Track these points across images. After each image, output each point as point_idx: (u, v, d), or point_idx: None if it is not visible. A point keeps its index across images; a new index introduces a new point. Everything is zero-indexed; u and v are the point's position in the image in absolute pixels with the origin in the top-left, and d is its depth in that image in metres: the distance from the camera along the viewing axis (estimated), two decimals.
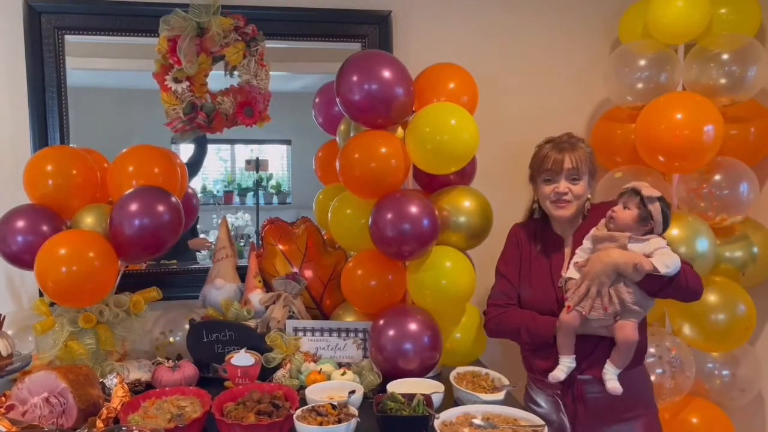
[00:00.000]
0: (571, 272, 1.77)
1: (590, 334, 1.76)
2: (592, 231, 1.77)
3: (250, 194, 2.67)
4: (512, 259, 1.93)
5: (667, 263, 1.62)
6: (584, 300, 1.70)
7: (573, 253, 1.82)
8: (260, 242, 2.26)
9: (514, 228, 2.00)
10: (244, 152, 2.59)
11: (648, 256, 1.65)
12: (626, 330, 1.70)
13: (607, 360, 1.75)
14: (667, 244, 1.68)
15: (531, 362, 1.92)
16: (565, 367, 1.76)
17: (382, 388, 1.77)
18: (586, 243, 1.77)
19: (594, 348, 1.78)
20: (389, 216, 1.86)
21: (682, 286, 1.68)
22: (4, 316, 1.82)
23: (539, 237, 1.92)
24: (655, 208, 1.66)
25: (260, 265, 2.21)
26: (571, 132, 1.88)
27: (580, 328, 1.74)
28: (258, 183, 2.64)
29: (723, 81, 2.15)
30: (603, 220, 1.76)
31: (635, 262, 1.64)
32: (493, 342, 2.13)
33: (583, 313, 1.69)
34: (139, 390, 1.78)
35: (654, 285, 1.67)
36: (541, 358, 1.85)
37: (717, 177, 2.19)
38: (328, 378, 1.81)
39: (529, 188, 2.53)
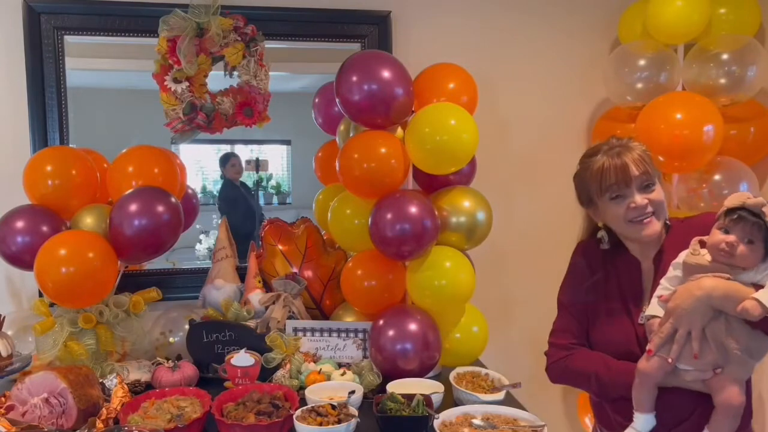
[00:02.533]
0: (653, 308, 1.40)
1: (684, 389, 1.38)
2: (683, 256, 1.38)
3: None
4: (578, 288, 1.59)
5: None
6: (669, 344, 1.33)
7: (655, 282, 1.46)
8: (260, 242, 2.26)
9: (579, 247, 1.65)
10: (244, 152, 2.59)
11: (759, 286, 1.26)
12: (728, 390, 1.30)
13: (705, 427, 1.35)
14: None
15: (601, 410, 1.58)
16: (640, 427, 1.39)
17: (381, 389, 1.77)
18: (674, 271, 1.39)
19: (692, 411, 1.39)
20: (389, 216, 1.86)
21: None
22: (4, 317, 1.82)
23: (610, 261, 1.56)
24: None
25: (260, 265, 2.21)
26: (614, 134, 1.58)
27: (665, 379, 1.36)
28: (258, 183, 2.64)
29: (722, 81, 2.14)
30: (695, 243, 1.38)
31: (737, 299, 1.25)
32: (493, 342, 2.13)
33: (669, 360, 1.32)
34: (139, 390, 1.78)
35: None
36: (615, 411, 1.51)
37: (717, 177, 2.19)
38: (328, 378, 1.81)
39: (532, 189, 2.57)
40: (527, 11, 2.51)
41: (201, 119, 2.12)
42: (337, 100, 1.94)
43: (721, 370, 1.31)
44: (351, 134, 2.07)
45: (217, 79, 2.16)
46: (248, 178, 2.62)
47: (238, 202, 2.62)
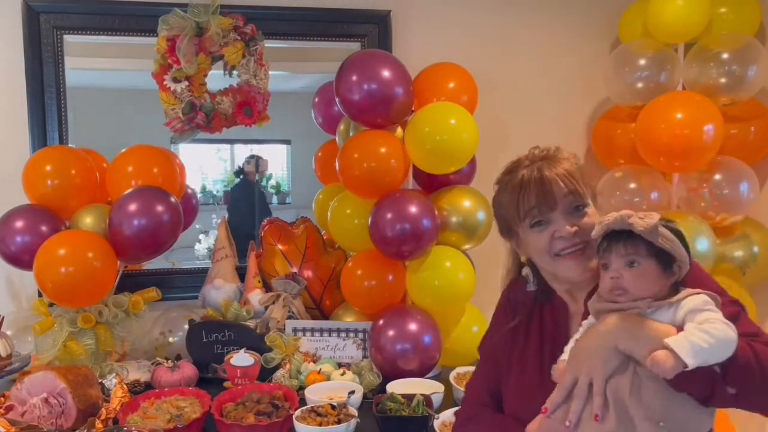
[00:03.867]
0: (564, 354, 1.11)
1: None
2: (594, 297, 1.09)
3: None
4: (495, 334, 1.31)
5: (701, 344, 0.90)
6: (567, 402, 1.01)
7: None
8: (260, 242, 2.26)
9: (506, 292, 1.35)
10: (244, 152, 2.59)
11: (679, 328, 0.96)
12: None
13: None
14: (713, 302, 0.98)
15: None
16: None
17: (381, 389, 1.77)
18: (590, 318, 1.10)
19: None
20: (389, 216, 1.86)
21: (755, 385, 0.96)
22: (3, 317, 1.82)
23: (538, 303, 1.26)
24: (669, 239, 0.99)
25: (260, 265, 2.20)
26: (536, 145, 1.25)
27: None
28: (257, 183, 2.64)
29: (723, 80, 2.14)
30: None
31: (651, 343, 0.94)
32: None
33: (566, 425, 0.99)
34: (139, 390, 1.77)
35: (696, 384, 0.94)
36: None
37: (717, 176, 2.19)
38: (328, 378, 1.81)
39: None
40: (527, 11, 2.50)
41: (200, 119, 2.11)
42: (336, 99, 1.93)
43: None
44: (351, 134, 2.07)
45: (216, 79, 2.16)
46: None
47: (253, 201, 2.63)
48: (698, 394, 0.95)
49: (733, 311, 1.01)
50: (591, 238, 1.08)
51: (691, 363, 0.89)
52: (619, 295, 1.01)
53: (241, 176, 2.57)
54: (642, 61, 2.24)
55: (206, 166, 2.58)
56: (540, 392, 1.10)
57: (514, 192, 1.16)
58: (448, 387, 1.76)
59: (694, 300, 0.97)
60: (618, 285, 1.01)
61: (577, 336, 1.08)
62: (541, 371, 1.16)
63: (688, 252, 1.03)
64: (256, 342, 1.92)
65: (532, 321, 1.24)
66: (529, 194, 1.13)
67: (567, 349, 1.09)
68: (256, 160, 2.55)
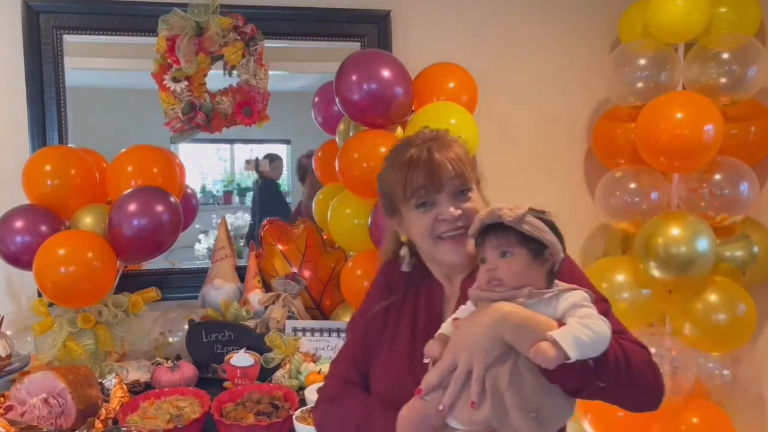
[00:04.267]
0: (444, 330, 1.09)
1: None
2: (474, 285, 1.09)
3: (249, 194, 2.66)
4: (366, 308, 1.28)
5: (583, 338, 0.93)
6: (443, 385, 1.00)
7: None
8: (259, 242, 2.26)
9: (383, 265, 1.31)
10: (244, 152, 2.58)
11: (560, 322, 0.99)
12: None
13: None
14: (590, 298, 1.02)
15: None
16: None
17: None
18: (470, 302, 1.09)
19: None
20: None
21: (633, 386, 1.03)
22: (3, 317, 1.82)
23: (413, 284, 1.24)
24: (537, 227, 1.05)
25: (259, 265, 2.20)
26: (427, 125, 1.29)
27: None
28: (257, 183, 2.64)
29: (723, 80, 2.14)
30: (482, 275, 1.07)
31: (535, 335, 0.95)
32: None
33: (440, 408, 0.99)
34: (138, 390, 1.77)
35: (571, 377, 0.97)
36: None
37: (717, 176, 2.19)
38: None
39: (532, 188, 2.56)
40: (527, 11, 2.50)
41: (200, 119, 2.11)
42: (336, 99, 1.93)
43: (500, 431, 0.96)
44: (351, 134, 2.06)
45: (216, 79, 2.15)
46: (248, 177, 2.62)
47: (279, 201, 2.66)
48: (571, 386, 0.99)
49: (604, 308, 1.06)
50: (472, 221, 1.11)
51: (573, 356, 0.92)
52: (496, 285, 1.03)
53: (262, 176, 2.57)
54: (642, 61, 2.24)
55: (206, 166, 2.58)
56: (409, 374, 1.12)
57: (402, 170, 1.15)
58: None
59: (574, 295, 1.01)
60: (494, 276, 1.03)
61: (456, 316, 1.09)
62: (412, 352, 1.15)
63: (562, 241, 1.08)
64: (256, 342, 1.92)
65: (406, 301, 1.23)
66: (417, 174, 1.13)
67: (444, 326, 1.09)
68: (277, 160, 2.56)
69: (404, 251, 1.25)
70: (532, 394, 0.97)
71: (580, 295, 1.01)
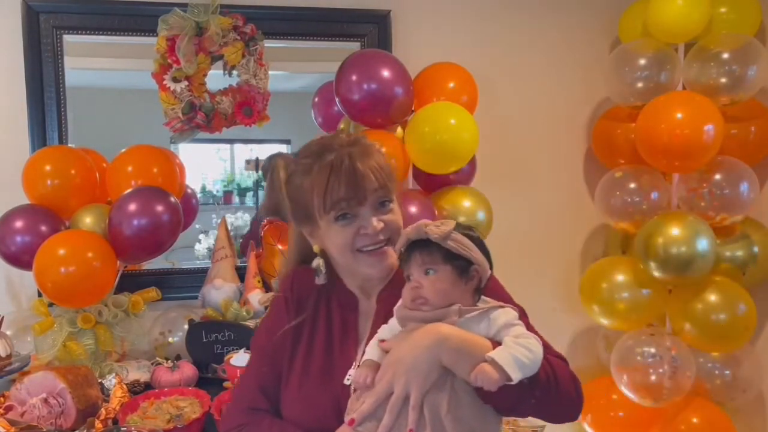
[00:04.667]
0: (368, 356, 1.03)
1: None
2: (399, 303, 1.05)
3: (249, 194, 2.66)
4: (272, 326, 1.18)
5: (522, 358, 0.93)
6: (377, 413, 0.96)
7: (376, 328, 1.09)
8: (260, 242, 2.26)
9: (288, 277, 1.22)
10: (244, 152, 2.58)
11: (493, 341, 0.97)
12: None
13: None
14: (518, 315, 1.03)
15: None
16: None
17: None
18: (393, 320, 1.06)
19: None
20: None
21: (559, 401, 1.01)
22: (3, 317, 1.82)
23: (325, 297, 1.17)
24: (463, 244, 1.01)
25: (259, 265, 2.20)
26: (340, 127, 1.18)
27: None
28: (258, 183, 2.64)
29: (723, 80, 2.14)
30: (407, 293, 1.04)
31: (474, 357, 0.94)
32: None
33: None
34: (138, 390, 1.77)
35: (508, 396, 0.95)
36: None
37: (717, 176, 2.19)
38: None
39: (532, 188, 2.56)
40: (527, 10, 2.50)
41: (200, 119, 2.11)
42: (336, 99, 1.93)
43: None
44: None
45: (216, 79, 2.15)
46: (248, 177, 2.62)
47: None
48: (506, 405, 0.97)
49: (525, 323, 1.05)
50: (394, 235, 1.09)
51: (516, 377, 0.91)
52: (421, 304, 1.00)
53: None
54: (642, 61, 2.24)
55: (206, 166, 2.58)
56: (324, 394, 1.07)
57: (322, 179, 1.06)
58: None
59: (504, 314, 1.00)
60: (418, 294, 1.00)
61: (381, 337, 1.04)
62: (329, 371, 1.10)
63: (489, 258, 1.06)
64: None
65: (317, 317, 1.16)
66: (339, 185, 1.05)
67: (370, 350, 1.04)
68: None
69: (318, 262, 1.17)
70: (471, 418, 0.95)
71: (510, 313, 1.01)
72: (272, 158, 2.56)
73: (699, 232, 2.10)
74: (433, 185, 2.08)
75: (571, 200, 2.58)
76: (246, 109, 2.15)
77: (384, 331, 1.05)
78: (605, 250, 2.60)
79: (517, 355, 0.93)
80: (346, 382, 1.05)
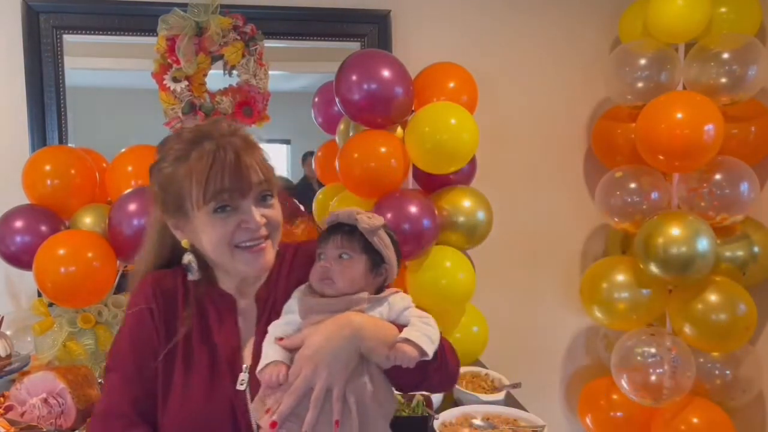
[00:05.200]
0: (270, 356, 0.98)
1: None
2: (299, 291, 1.06)
3: None
4: (139, 345, 1.05)
5: (430, 335, 0.99)
6: (296, 411, 0.94)
7: (261, 328, 1.06)
8: None
9: (147, 280, 1.10)
10: None
11: (395, 325, 1.02)
12: None
13: None
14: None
15: None
16: None
17: None
18: (290, 314, 1.04)
19: None
20: (389, 216, 1.86)
21: (448, 371, 1.06)
22: (3, 317, 1.82)
23: (195, 298, 1.08)
24: (385, 242, 1.04)
25: None
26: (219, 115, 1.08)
27: None
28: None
29: (723, 80, 2.14)
30: (313, 280, 1.04)
31: (387, 339, 0.97)
32: (494, 342, 2.13)
33: None
34: None
35: (414, 374, 0.99)
36: None
37: (717, 176, 2.19)
38: None
39: (532, 188, 2.56)
40: (527, 10, 2.50)
41: (200, 119, 2.11)
42: (336, 99, 1.93)
43: None
44: (351, 134, 2.06)
45: (216, 79, 2.16)
46: None
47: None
48: (414, 381, 1.03)
49: None
50: (273, 231, 1.05)
51: (431, 352, 0.97)
52: (327, 285, 1.02)
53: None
54: (642, 61, 2.23)
55: None
56: (215, 407, 1.00)
57: (202, 167, 0.98)
58: None
59: (403, 298, 1.06)
60: (327, 274, 1.01)
61: (277, 335, 1.00)
62: (214, 382, 1.02)
63: (399, 262, 1.09)
64: None
65: (191, 325, 1.05)
66: (222, 175, 0.98)
67: (269, 351, 0.99)
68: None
69: (189, 258, 1.08)
70: (386, 399, 1.00)
71: (406, 297, 1.06)
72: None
73: (699, 232, 2.10)
74: (433, 185, 2.08)
75: (571, 200, 2.58)
76: (246, 109, 2.15)
77: (278, 328, 1.02)
78: (605, 250, 2.60)
79: (427, 333, 0.99)
80: (240, 387, 1.01)
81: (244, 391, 1.01)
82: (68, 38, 2.17)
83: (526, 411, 1.58)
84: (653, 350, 2.18)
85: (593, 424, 2.42)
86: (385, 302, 1.03)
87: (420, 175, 2.06)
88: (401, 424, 1.50)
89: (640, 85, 2.24)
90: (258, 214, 1.01)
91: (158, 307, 1.06)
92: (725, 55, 2.14)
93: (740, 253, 2.27)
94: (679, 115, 2.08)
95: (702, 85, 2.17)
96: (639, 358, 2.19)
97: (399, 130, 2.03)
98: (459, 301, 1.99)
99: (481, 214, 2.01)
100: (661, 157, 2.15)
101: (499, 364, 2.05)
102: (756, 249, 2.27)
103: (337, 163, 1.96)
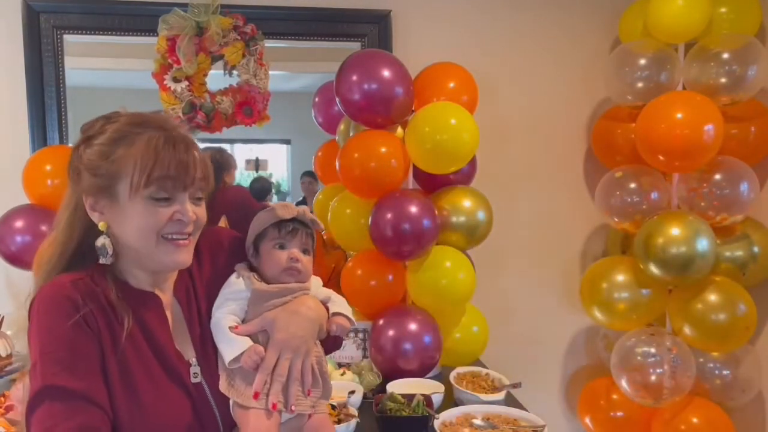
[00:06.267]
0: (235, 348, 1.03)
1: None
2: (237, 283, 1.10)
3: None
4: (81, 355, 0.94)
5: (346, 305, 1.19)
6: (278, 385, 1.03)
7: (192, 321, 1.08)
8: None
9: (65, 291, 0.97)
10: (244, 152, 2.58)
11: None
12: (329, 427, 1.14)
13: None
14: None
15: None
16: None
17: (381, 389, 1.77)
18: (233, 303, 1.08)
19: None
20: (389, 216, 1.86)
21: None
22: (3, 317, 1.82)
23: (118, 302, 1.00)
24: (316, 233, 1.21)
25: None
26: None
27: None
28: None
29: (723, 80, 2.14)
30: (245, 266, 1.13)
31: (325, 317, 1.13)
32: (494, 342, 2.13)
33: (292, 407, 1.03)
34: None
35: (334, 344, 1.22)
36: None
37: (717, 176, 2.19)
38: None
39: (532, 188, 2.56)
40: (528, 10, 2.50)
41: (200, 118, 2.11)
42: (337, 99, 1.93)
43: (317, 406, 1.09)
44: (351, 134, 2.07)
45: (216, 79, 2.16)
46: (248, 177, 2.62)
47: None
48: (334, 348, 1.22)
49: None
50: (197, 231, 1.04)
51: (355, 322, 1.23)
52: (291, 275, 1.12)
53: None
54: (642, 61, 2.23)
55: None
56: (170, 404, 0.99)
57: (149, 151, 0.96)
58: (448, 387, 1.76)
59: (317, 281, 1.19)
60: (296, 268, 1.12)
61: (230, 324, 1.05)
62: (168, 378, 1.01)
63: None
64: None
65: (124, 324, 0.99)
66: (170, 162, 0.97)
67: (230, 341, 1.03)
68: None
69: (104, 241, 1.01)
70: (325, 365, 1.14)
71: (318, 280, 1.19)
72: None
73: (699, 232, 2.10)
74: (433, 185, 2.08)
75: (571, 200, 2.58)
76: (246, 109, 2.15)
77: (226, 318, 1.07)
78: (605, 250, 2.60)
79: (345, 305, 1.17)
80: (195, 380, 1.04)
81: (200, 382, 1.04)
82: (68, 38, 2.17)
83: (526, 411, 1.58)
84: (653, 350, 2.19)
85: (593, 424, 2.42)
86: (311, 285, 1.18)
87: (420, 175, 2.06)
88: (401, 424, 1.50)
89: (640, 85, 2.24)
90: (191, 210, 1.01)
91: (92, 312, 0.97)
92: (725, 55, 2.14)
93: (740, 253, 2.27)
94: (679, 115, 2.08)
95: (702, 85, 2.17)
96: (639, 358, 2.19)
97: (399, 130, 2.03)
98: (459, 301, 1.99)
99: (481, 214, 2.01)
100: (661, 157, 2.15)
101: (499, 364, 2.05)
102: (756, 249, 2.27)
103: (337, 163, 1.96)
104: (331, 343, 1.19)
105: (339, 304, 1.17)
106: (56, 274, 1.02)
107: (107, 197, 1.00)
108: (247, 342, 1.04)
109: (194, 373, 1.04)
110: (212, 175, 1.06)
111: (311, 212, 1.11)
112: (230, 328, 1.05)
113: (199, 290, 1.11)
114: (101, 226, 1.02)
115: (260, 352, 1.03)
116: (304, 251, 1.14)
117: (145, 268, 1.05)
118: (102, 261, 1.02)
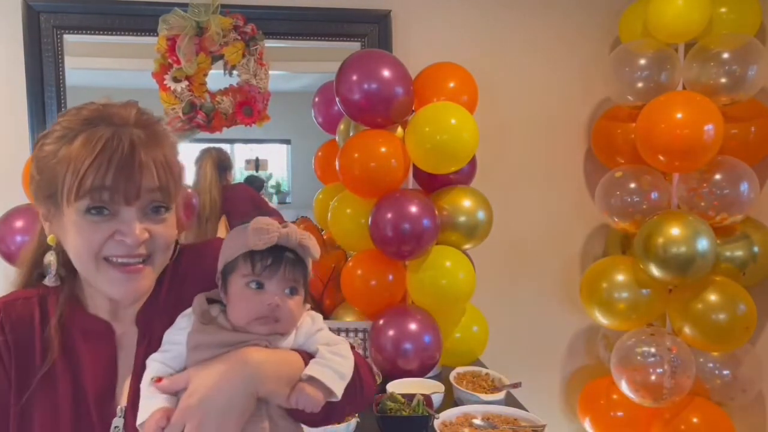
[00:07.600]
0: (151, 404, 0.81)
1: None
2: (185, 319, 0.87)
3: None
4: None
5: (340, 369, 0.85)
6: None
7: (140, 359, 0.88)
8: None
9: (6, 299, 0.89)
10: (244, 152, 2.58)
11: (301, 351, 0.87)
12: None
13: None
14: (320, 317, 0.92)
15: None
16: None
17: (381, 389, 1.76)
18: (170, 345, 0.86)
19: None
20: (389, 216, 1.86)
21: (364, 396, 0.93)
22: None
23: (52, 329, 0.86)
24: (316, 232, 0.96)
25: None
26: (133, 101, 0.90)
27: None
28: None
29: (723, 80, 2.14)
30: (200, 301, 0.86)
31: (290, 379, 0.83)
32: (494, 342, 2.13)
33: None
34: None
35: (324, 412, 0.85)
36: None
37: (717, 176, 2.19)
38: None
39: (532, 188, 2.57)
40: (528, 10, 2.50)
41: (200, 118, 2.11)
42: (337, 99, 1.93)
43: None
44: (351, 133, 2.07)
45: (216, 78, 2.16)
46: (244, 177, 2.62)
47: None
48: (319, 418, 0.86)
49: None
50: (156, 252, 0.85)
51: (340, 392, 0.82)
52: (265, 324, 0.83)
53: None
54: (642, 61, 2.24)
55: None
56: None
57: (83, 154, 0.79)
58: (448, 387, 1.76)
59: (313, 318, 0.89)
60: (275, 315, 0.83)
61: (154, 375, 0.82)
62: (82, 429, 0.85)
63: None
64: None
65: (51, 355, 0.85)
66: (105, 168, 0.78)
67: (150, 395, 0.81)
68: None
69: (50, 259, 0.87)
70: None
71: (317, 318, 0.90)
72: None
73: (699, 232, 2.10)
74: (433, 185, 2.09)
75: (571, 200, 2.58)
76: (246, 108, 2.15)
77: (156, 365, 0.84)
78: (605, 250, 2.60)
79: (338, 369, 0.83)
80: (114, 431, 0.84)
81: None
82: (68, 38, 2.17)
83: (526, 411, 1.58)
84: (653, 350, 2.18)
85: (593, 424, 2.42)
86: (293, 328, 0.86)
87: (420, 175, 2.06)
88: (401, 424, 1.50)
89: (640, 85, 2.24)
90: (140, 228, 0.81)
91: (7, 342, 0.84)
92: (725, 55, 2.14)
93: (740, 253, 2.27)
94: (679, 115, 2.08)
95: (702, 85, 2.17)
96: (639, 358, 2.19)
97: (399, 130, 2.03)
98: (459, 301, 1.99)
99: (481, 214, 2.01)
100: (661, 157, 2.15)
101: (499, 364, 2.05)
102: (756, 249, 2.27)
103: (337, 163, 1.96)
104: (311, 414, 0.83)
105: (325, 361, 0.84)
106: (22, 285, 0.90)
107: (51, 204, 0.83)
108: (160, 403, 0.80)
109: (115, 426, 0.84)
110: (178, 183, 0.86)
111: (309, 219, 0.81)
112: (154, 378, 0.82)
113: (162, 321, 0.88)
114: (50, 239, 0.86)
115: (166, 415, 0.79)
116: (291, 290, 0.85)
117: (96, 293, 0.88)
118: (46, 282, 0.87)
